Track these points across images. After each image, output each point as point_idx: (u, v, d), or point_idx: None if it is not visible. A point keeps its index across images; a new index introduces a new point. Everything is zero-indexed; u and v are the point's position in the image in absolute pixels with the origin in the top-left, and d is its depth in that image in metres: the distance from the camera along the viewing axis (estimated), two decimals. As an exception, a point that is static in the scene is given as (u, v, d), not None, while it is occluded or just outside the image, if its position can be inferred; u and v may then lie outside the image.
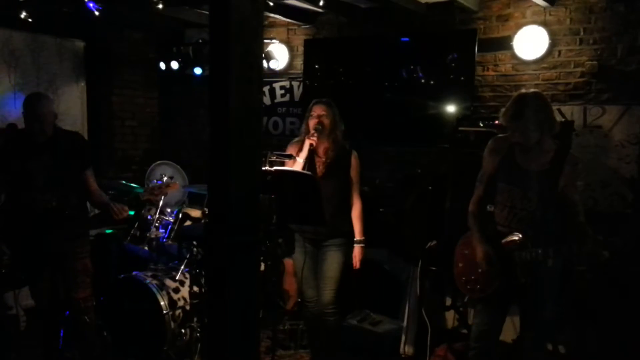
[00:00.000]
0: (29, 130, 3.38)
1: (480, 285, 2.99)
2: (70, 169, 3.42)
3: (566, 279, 2.99)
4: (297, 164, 3.54)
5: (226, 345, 2.15)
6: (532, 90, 3.00)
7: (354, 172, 3.65)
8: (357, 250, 3.64)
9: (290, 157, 3.56)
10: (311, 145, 3.55)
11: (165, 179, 4.05)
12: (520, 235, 2.80)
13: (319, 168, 3.62)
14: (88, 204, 3.70)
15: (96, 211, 4.19)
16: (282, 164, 3.53)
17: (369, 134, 5.12)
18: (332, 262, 3.61)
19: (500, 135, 3.01)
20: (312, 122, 3.60)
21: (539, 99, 2.82)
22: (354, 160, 3.65)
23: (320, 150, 3.64)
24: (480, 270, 2.96)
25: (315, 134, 3.55)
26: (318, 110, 3.62)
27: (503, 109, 2.88)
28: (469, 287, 3.06)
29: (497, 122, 3.29)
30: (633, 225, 4.12)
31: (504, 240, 2.86)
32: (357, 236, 3.64)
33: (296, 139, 3.74)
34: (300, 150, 3.58)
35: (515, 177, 2.86)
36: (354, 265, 3.65)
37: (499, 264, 2.87)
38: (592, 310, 3.75)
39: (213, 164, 2.14)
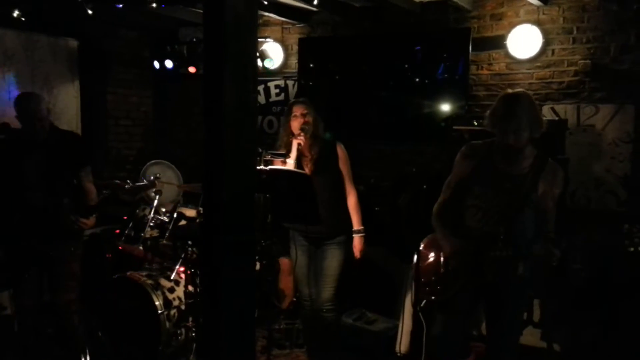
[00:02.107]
0: (25, 129, 3.38)
1: (441, 286, 2.90)
2: (63, 169, 3.39)
3: (535, 289, 2.95)
4: (289, 165, 3.53)
5: (222, 345, 2.14)
6: (518, 89, 3.00)
7: (342, 163, 3.61)
8: (357, 240, 3.62)
9: (285, 156, 3.56)
10: (299, 144, 3.54)
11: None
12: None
13: (308, 166, 3.60)
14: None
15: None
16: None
17: (364, 132, 5.12)
18: (332, 260, 3.61)
19: (475, 142, 2.98)
20: (296, 122, 3.57)
21: (529, 98, 2.80)
22: (340, 152, 3.62)
23: (306, 149, 3.61)
24: (442, 271, 2.90)
25: (302, 134, 3.55)
26: (300, 109, 3.59)
27: (490, 110, 2.83)
28: (428, 288, 2.95)
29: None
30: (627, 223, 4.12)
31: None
32: (356, 226, 3.62)
33: (278, 151, 3.61)
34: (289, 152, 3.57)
35: (492, 181, 2.81)
36: (355, 255, 3.63)
37: (469, 258, 2.79)
38: (587, 308, 3.77)
39: (208, 163, 2.13)
